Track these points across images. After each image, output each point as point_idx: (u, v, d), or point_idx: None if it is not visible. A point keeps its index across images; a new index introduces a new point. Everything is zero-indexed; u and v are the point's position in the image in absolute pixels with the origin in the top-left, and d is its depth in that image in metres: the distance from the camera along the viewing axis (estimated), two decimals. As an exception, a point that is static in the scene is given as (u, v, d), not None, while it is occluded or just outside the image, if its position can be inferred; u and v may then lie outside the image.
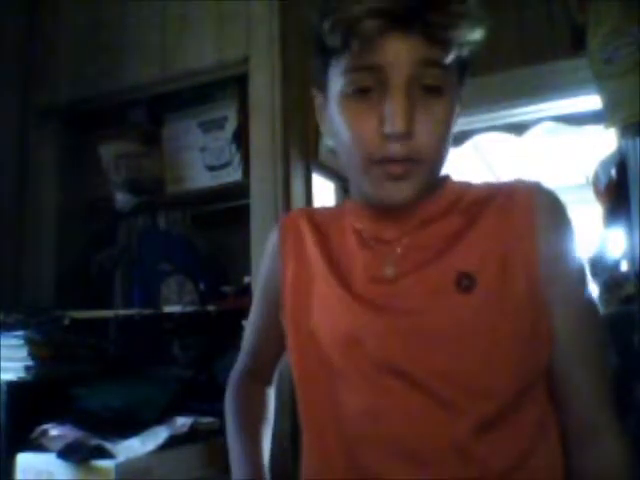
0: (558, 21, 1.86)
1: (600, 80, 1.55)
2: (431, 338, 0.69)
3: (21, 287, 1.94)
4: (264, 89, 1.68)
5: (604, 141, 1.88)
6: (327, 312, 0.77)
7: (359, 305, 0.73)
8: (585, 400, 0.71)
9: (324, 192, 1.96)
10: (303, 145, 1.77)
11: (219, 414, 1.52)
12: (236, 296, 1.77)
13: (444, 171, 0.79)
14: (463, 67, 0.72)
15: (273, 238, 0.89)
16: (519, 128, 2.06)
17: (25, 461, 1.34)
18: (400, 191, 0.70)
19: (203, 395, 1.62)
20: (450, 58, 0.67)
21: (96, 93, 1.94)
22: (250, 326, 0.98)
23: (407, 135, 0.66)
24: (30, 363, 1.52)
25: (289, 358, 0.82)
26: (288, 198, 1.65)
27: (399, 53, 0.66)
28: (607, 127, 1.58)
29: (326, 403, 0.75)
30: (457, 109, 0.74)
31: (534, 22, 1.90)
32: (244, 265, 1.70)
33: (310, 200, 1.78)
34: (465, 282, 0.69)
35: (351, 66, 0.68)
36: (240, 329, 1.73)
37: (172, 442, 1.36)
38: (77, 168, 2.10)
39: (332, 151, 1.96)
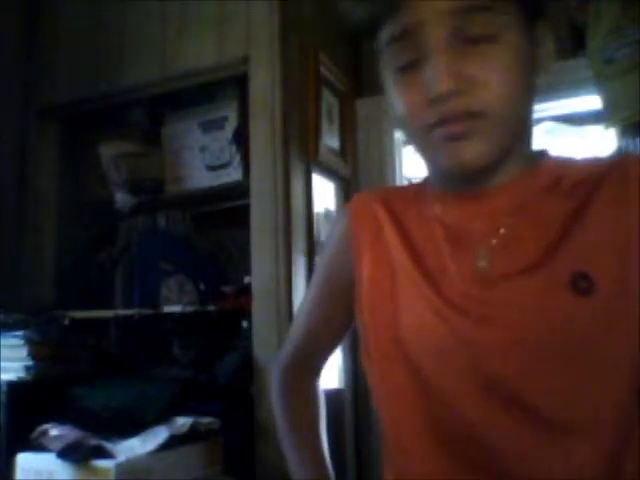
0: (558, 21, 1.86)
1: (600, 80, 1.55)
2: (544, 351, 0.59)
3: (21, 287, 1.94)
4: (264, 89, 1.68)
5: (604, 141, 1.88)
6: (415, 318, 0.66)
7: (452, 310, 0.64)
8: None
9: (324, 192, 1.96)
10: (303, 145, 1.77)
11: (219, 414, 1.53)
12: (236, 296, 1.77)
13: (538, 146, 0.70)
14: (526, 3, 0.62)
15: (344, 223, 0.79)
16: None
17: (25, 461, 1.34)
18: (465, 150, 0.60)
19: (203, 395, 1.62)
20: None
21: (96, 93, 1.94)
22: (305, 312, 0.86)
23: (453, 94, 0.59)
24: (30, 363, 1.52)
25: (367, 365, 0.73)
26: (288, 198, 1.65)
27: (430, 9, 0.60)
28: (607, 127, 1.58)
29: (420, 424, 0.66)
30: (540, 54, 0.64)
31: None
32: (244, 265, 1.70)
33: (310, 200, 1.78)
34: (582, 283, 0.59)
35: (389, 38, 0.63)
36: (240, 329, 1.73)
37: (172, 442, 1.36)
38: (77, 168, 2.10)
39: (332, 151, 1.96)
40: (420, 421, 0.66)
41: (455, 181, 0.68)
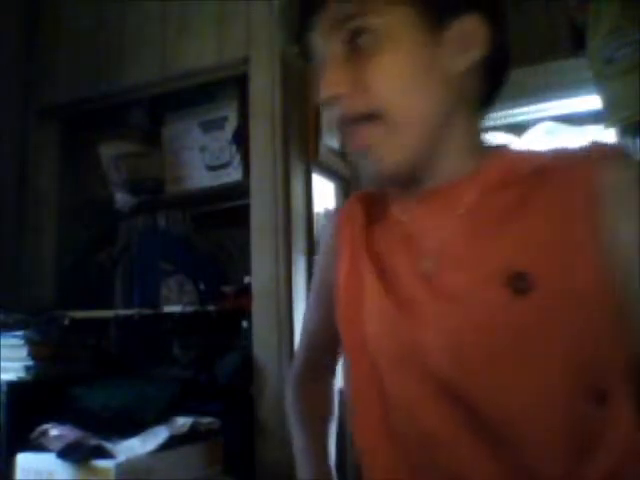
0: (558, 21, 1.86)
1: (600, 80, 1.55)
2: (484, 352, 0.58)
3: (21, 287, 1.94)
4: (264, 89, 1.68)
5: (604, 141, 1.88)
6: (374, 321, 0.67)
7: (401, 312, 0.63)
8: None
9: (324, 192, 1.96)
10: (303, 145, 1.77)
11: (219, 414, 1.53)
12: (236, 296, 1.77)
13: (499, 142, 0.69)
14: (425, 3, 0.61)
15: (329, 225, 0.81)
16: (519, 128, 2.05)
17: (25, 461, 1.34)
18: (377, 163, 0.63)
19: (203, 395, 1.62)
20: (375, 4, 0.60)
21: (96, 93, 1.94)
22: (306, 319, 0.88)
23: (332, 99, 0.62)
24: (30, 363, 1.52)
25: (345, 362, 0.75)
26: (288, 198, 1.65)
27: (315, 26, 0.63)
28: (607, 127, 1.58)
29: (381, 432, 0.66)
30: (445, 48, 0.62)
31: (534, 22, 1.90)
32: (244, 265, 1.70)
33: (310, 200, 1.78)
34: (519, 282, 0.57)
35: (307, 57, 0.68)
36: (240, 329, 1.73)
37: (172, 442, 1.36)
38: (77, 168, 2.10)
39: (332, 151, 1.96)
40: (381, 429, 0.66)
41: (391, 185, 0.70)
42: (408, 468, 0.63)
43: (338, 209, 0.81)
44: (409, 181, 0.66)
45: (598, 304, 0.57)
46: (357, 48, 0.61)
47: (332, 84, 0.62)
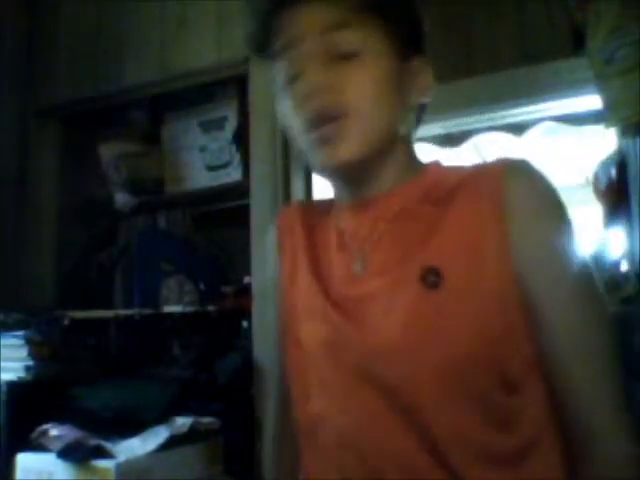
0: (558, 21, 1.86)
1: (600, 80, 1.55)
2: (396, 341, 0.64)
3: (21, 287, 1.94)
4: (264, 89, 1.68)
5: (604, 141, 1.88)
6: (309, 321, 0.73)
7: (333, 311, 0.69)
8: (587, 401, 0.63)
9: (324, 192, 1.96)
10: (303, 145, 1.77)
11: (219, 414, 1.53)
12: (236, 296, 1.77)
13: (429, 158, 0.76)
14: (396, 25, 0.69)
15: (270, 236, 0.86)
16: (519, 128, 2.05)
17: (25, 461, 1.34)
18: (334, 152, 0.67)
19: (203, 395, 1.62)
20: (365, 16, 0.66)
21: (96, 93, 1.95)
22: (272, 361, 0.89)
23: (319, 88, 0.66)
24: (30, 363, 1.52)
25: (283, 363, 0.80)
26: (288, 198, 1.65)
27: (302, 26, 0.67)
28: (607, 127, 1.58)
29: (309, 415, 0.72)
30: (408, 76, 0.70)
31: (534, 22, 1.90)
32: (244, 265, 1.70)
33: (310, 200, 1.78)
34: (431, 278, 0.64)
35: (274, 54, 0.70)
36: (240, 329, 1.73)
37: (172, 442, 1.36)
38: (77, 168, 2.10)
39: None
40: (310, 424, 0.71)
41: (338, 184, 0.74)
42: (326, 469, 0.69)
43: (275, 223, 0.86)
44: (354, 177, 0.71)
45: (502, 299, 0.63)
46: (337, 53, 0.67)
47: (315, 79, 0.66)
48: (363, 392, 0.65)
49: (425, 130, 0.74)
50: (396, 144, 0.72)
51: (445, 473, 0.62)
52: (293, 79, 0.69)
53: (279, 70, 0.70)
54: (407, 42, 0.71)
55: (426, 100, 0.73)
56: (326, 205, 0.82)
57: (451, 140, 1.93)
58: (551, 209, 0.66)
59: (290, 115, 0.70)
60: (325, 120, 0.66)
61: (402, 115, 0.70)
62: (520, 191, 0.65)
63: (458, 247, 0.65)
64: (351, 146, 0.67)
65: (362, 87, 0.67)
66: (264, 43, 0.71)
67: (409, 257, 0.67)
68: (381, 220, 0.71)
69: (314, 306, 0.72)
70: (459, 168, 0.74)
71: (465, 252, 0.64)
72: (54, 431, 1.34)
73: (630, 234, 1.50)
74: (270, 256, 0.87)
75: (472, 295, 0.63)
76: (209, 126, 1.89)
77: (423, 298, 0.64)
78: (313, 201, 0.87)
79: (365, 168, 0.70)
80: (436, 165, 0.75)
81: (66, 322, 1.72)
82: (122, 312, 1.86)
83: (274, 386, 0.88)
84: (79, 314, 1.79)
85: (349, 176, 0.71)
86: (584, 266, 0.66)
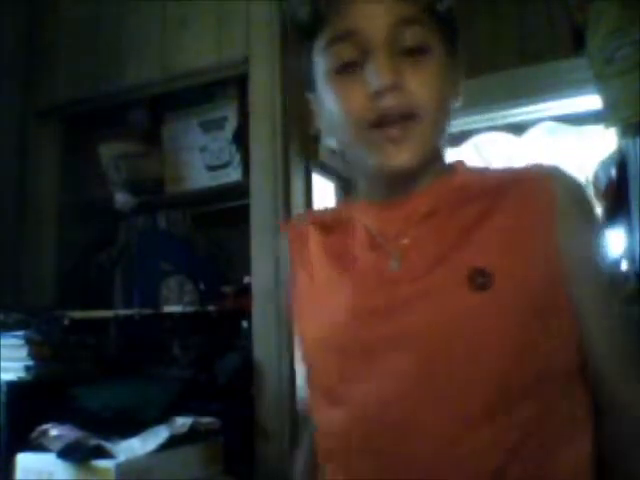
0: (558, 21, 1.86)
1: (600, 80, 1.55)
2: (443, 345, 0.62)
3: (21, 287, 1.94)
4: (264, 89, 1.68)
5: (604, 141, 1.88)
6: (336, 323, 0.70)
7: (367, 312, 0.67)
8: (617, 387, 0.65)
9: (324, 192, 1.96)
10: (303, 145, 1.77)
11: (219, 414, 1.53)
12: (236, 296, 1.77)
13: (455, 158, 0.75)
14: (447, 24, 0.69)
15: (284, 243, 0.84)
16: (519, 128, 2.05)
17: (25, 461, 1.34)
18: (400, 153, 0.65)
19: (203, 395, 1.62)
20: (425, 14, 0.65)
21: (96, 93, 1.94)
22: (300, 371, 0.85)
23: (395, 87, 0.63)
24: (30, 363, 1.52)
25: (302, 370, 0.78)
26: (288, 198, 1.65)
27: (373, 14, 0.64)
28: (607, 127, 1.58)
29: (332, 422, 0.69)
30: (456, 73, 0.71)
31: (534, 22, 1.90)
32: (244, 265, 1.70)
33: (310, 200, 1.78)
34: (479, 279, 0.63)
35: (329, 39, 0.67)
36: (240, 329, 1.73)
37: (172, 442, 1.36)
38: (77, 168, 2.10)
39: (332, 151, 1.96)
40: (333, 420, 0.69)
41: (383, 185, 0.72)
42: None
43: (287, 227, 0.85)
44: (405, 181, 0.70)
45: (550, 299, 0.63)
46: (403, 50, 0.65)
47: (394, 72, 0.64)
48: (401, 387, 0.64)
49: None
50: (443, 143, 0.73)
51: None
52: (352, 65, 0.66)
53: (329, 57, 0.67)
54: (454, 41, 0.71)
55: (460, 94, 0.73)
56: (338, 210, 0.82)
57: (451, 140, 1.93)
58: (592, 214, 0.69)
59: (339, 106, 0.67)
60: (393, 119, 0.64)
61: (450, 112, 0.71)
62: (569, 196, 0.66)
63: (504, 248, 0.65)
64: (415, 149, 0.66)
65: (431, 88, 0.65)
66: (315, 28, 0.68)
67: (451, 257, 0.66)
68: (413, 219, 0.70)
69: (345, 309, 0.70)
70: (486, 169, 0.75)
71: (512, 253, 0.64)
72: (54, 431, 1.34)
73: (630, 234, 1.50)
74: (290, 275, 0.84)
75: (521, 296, 0.63)
76: (209, 126, 1.89)
77: (469, 299, 0.63)
78: (324, 209, 0.87)
79: (416, 171, 0.69)
80: (463, 165, 0.75)
81: (66, 322, 1.72)
82: (122, 312, 1.86)
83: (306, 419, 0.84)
84: (79, 314, 1.79)
85: (400, 178, 0.69)
86: (616, 268, 0.68)
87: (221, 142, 1.86)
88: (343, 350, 0.68)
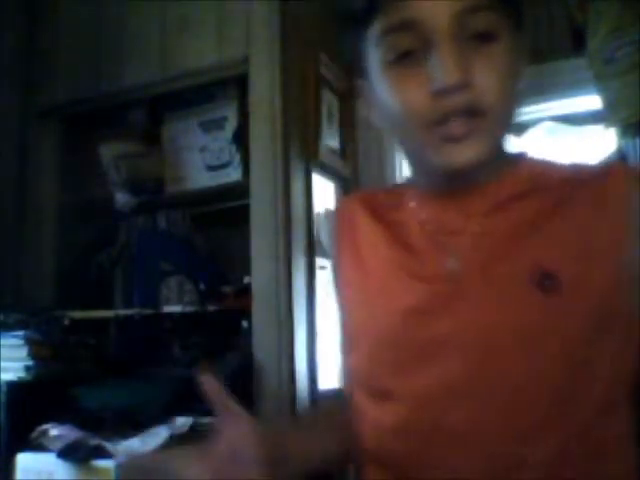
0: (558, 21, 1.86)
1: (600, 80, 1.55)
2: (505, 349, 0.59)
3: (21, 287, 1.94)
4: (264, 89, 1.68)
5: (604, 141, 1.88)
6: (386, 315, 0.67)
7: (419, 309, 0.64)
8: None
9: (324, 192, 1.96)
10: (303, 145, 1.77)
11: (219, 414, 1.52)
12: (236, 296, 1.77)
13: (519, 149, 0.71)
14: (515, 6, 0.63)
15: (330, 226, 0.82)
16: (519, 128, 2.05)
17: (25, 461, 1.34)
18: (463, 152, 0.60)
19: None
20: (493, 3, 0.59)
21: (96, 93, 1.94)
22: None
23: (462, 85, 0.58)
24: (30, 363, 1.52)
25: (346, 363, 0.74)
26: (288, 198, 1.65)
27: (436, 2, 0.58)
28: (607, 127, 1.58)
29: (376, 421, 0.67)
30: (521, 59, 0.65)
31: (534, 22, 1.90)
32: (244, 265, 1.70)
33: (310, 200, 1.78)
34: (546, 282, 0.59)
35: (385, 28, 0.61)
36: (240, 329, 1.73)
37: (172, 442, 1.36)
38: (77, 168, 2.10)
39: (332, 151, 1.96)
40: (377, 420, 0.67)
41: (442, 180, 0.67)
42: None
43: (335, 212, 0.82)
44: (469, 177, 0.65)
45: (615, 307, 0.60)
46: (471, 37, 0.59)
47: (461, 69, 0.58)
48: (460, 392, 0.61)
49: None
50: (506, 136, 0.68)
51: None
52: (410, 56, 0.60)
53: (386, 47, 0.61)
54: (520, 24, 0.64)
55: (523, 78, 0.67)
56: (393, 195, 0.77)
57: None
58: None
59: (395, 101, 0.62)
60: (457, 116, 0.59)
61: (517, 103, 0.66)
62: None
63: (572, 250, 0.61)
64: (480, 146, 0.60)
65: (500, 80, 0.60)
66: (370, 15, 0.62)
67: (516, 256, 0.62)
68: (476, 213, 0.66)
69: (397, 304, 0.66)
70: (554, 164, 0.70)
71: (579, 256, 0.61)
72: (54, 431, 1.34)
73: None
74: (331, 254, 0.82)
75: (587, 302, 0.60)
76: (209, 126, 1.89)
77: (535, 302, 0.60)
78: (374, 191, 0.81)
79: (480, 167, 0.64)
80: (528, 158, 0.70)
81: (66, 322, 1.72)
82: (122, 312, 1.86)
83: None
84: (79, 314, 1.79)
85: (464, 177, 0.65)
86: None
87: (221, 142, 1.85)
88: (398, 347, 0.65)
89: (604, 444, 0.60)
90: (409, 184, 0.76)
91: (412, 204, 0.72)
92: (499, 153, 0.67)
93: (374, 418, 0.68)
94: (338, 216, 0.80)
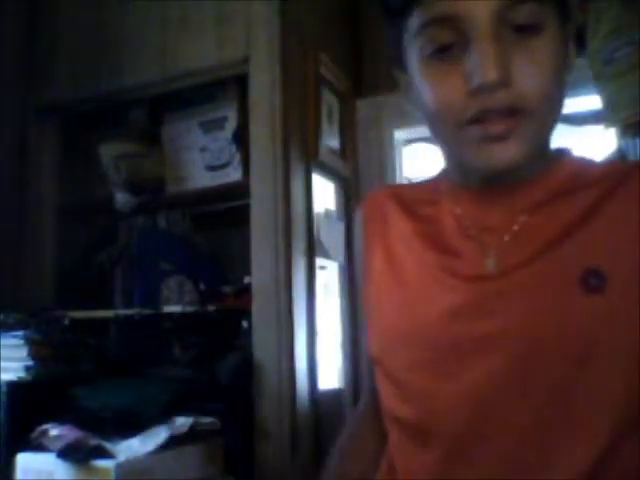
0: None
1: (600, 80, 1.55)
2: (549, 350, 0.57)
3: (21, 287, 1.94)
4: (264, 89, 1.68)
5: (604, 141, 1.88)
6: (423, 314, 0.65)
7: (458, 309, 0.62)
8: None
9: (324, 192, 1.96)
10: (303, 145, 1.77)
11: (219, 414, 1.53)
12: (236, 296, 1.77)
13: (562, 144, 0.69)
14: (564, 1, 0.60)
15: (357, 224, 0.78)
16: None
17: (25, 461, 1.34)
18: (502, 153, 0.58)
19: (203, 395, 1.62)
20: None
21: (96, 93, 1.94)
22: (364, 341, 0.78)
23: (501, 84, 0.56)
24: (30, 363, 1.52)
25: (373, 355, 0.71)
26: (288, 198, 1.65)
27: None
28: (607, 127, 1.58)
29: (420, 421, 0.64)
30: (568, 51, 0.62)
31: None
32: (244, 265, 1.70)
33: (310, 200, 1.78)
34: (593, 280, 0.57)
35: (423, 22, 0.59)
36: (240, 329, 1.73)
37: (172, 442, 1.36)
38: (77, 168, 2.10)
39: (332, 151, 1.96)
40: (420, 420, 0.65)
41: (481, 179, 0.65)
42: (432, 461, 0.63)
43: (360, 210, 0.79)
44: (508, 176, 0.63)
45: None
46: (514, 29, 0.57)
47: (498, 66, 0.55)
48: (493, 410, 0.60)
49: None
50: (551, 133, 0.65)
51: None
52: (449, 51, 0.59)
53: (424, 41, 0.60)
54: (567, 20, 0.61)
55: (573, 69, 0.65)
56: (425, 189, 0.75)
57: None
58: None
59: (432, 97, 0.60)
60: (497, 114, 0.57)
61: (564, 98, 0.63)
62: None
63: (622, 249, 0.59)
64: (523, 146, 0.58)
65: (544, 77, 0.57)
66: (409, 8, 0.61)
67: (560, 253, 0.60)
68: (516, 211, 0.64)
69: (432, 301, 0.64)
70: (593, 161, 0.69)
71: (628, 254, 0.58)
72: (54, 431, 1.34)
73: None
74: (356, 242, 0.80)
75: (635, 302, 0.57)
76: (209, 126, 1.89)
77: (580, 302, 0.57)
78: (401, 184, 0.77)
79: (521, 167, 0.61)
80: (572, 155, 0.69)
81: (66, 322, 1.72)
82: (122, 312, 1.86)
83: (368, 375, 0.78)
84: (79, 314, 1.79)
85: (503, 177, 0.63)
86: None
87: (221, 142, 1.85)
88: (440, 348, 0.63)
89: (633, 459, 0.58)
90: (443, 178, 0.73)
91: (451, 202, 0.69)
92: (542, 151, 0.65)
93: (406, 416, 0.66)
94: (367, 208, 0.77)
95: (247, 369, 1.60)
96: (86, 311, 1.83)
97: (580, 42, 1.65)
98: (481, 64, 0.56)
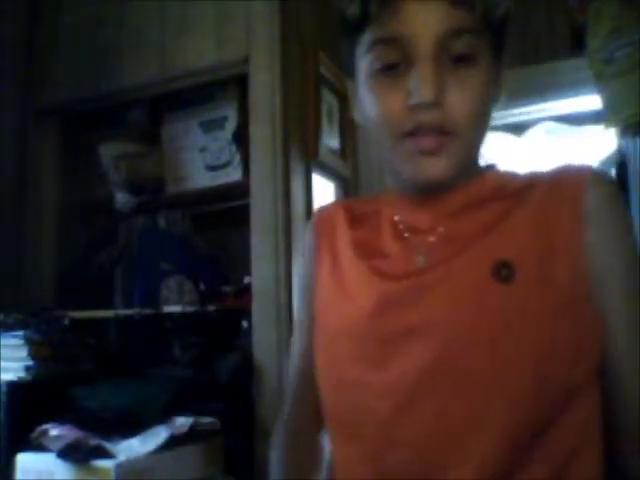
0: (558, 21, 1.86)
1: (600, 80, 1.55)
2: (466, 335, 0.62)
3: (21, 287, 1.94)
4: (264, 89, 1.68)
5: (604, 141, 1.88)
6: (356, 312, 0.70)
7: (386, 302, 0.68)
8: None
9: (324, 192, 1.96)
10: (303, 145, 1.77)
11: (219, 414, 1.53)
12: (236, 296, 1.77)
13: (489, 160, 0.76)
14: (497, 31, 0.68)
15: (307, 235, 0.86)
16: (519, 128, 2.06)
17: (25, 461, 1.34)
18: (433, 166, 0.65)
19: (203, 395, 1.62)
20: (479, 23, 0.64)
21: (96, 93, 1.94)
22: (294, 355, 0.86)
23: (435, 104, 0.62)
24: (30, 363, 1.52)
25: (316, 360, 0.76)
26: (288, 198, 1.65)
27: (424, 22, 0.63)
28: (607, 127, 1.58)
29: (354, 413, 0.68)
30: (497, 80, 0.70)
31: (534, 22, 1.90)
32: (244, 265, 1.70)
33: (310, 200, 1.78)
34: (504, 271, 0.63)
35: (375, 39, 0.65)
36: (240, 329, 1.73)
37: (172, 442, 1.36)
38: (77, 168, 2.10)
39: (332, 151, 1.96)
40: (354, 411, 0.69)
41: (414, 188, 0.72)
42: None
43: (313, 219, 0.86)
44: (440, 188, 0.70)
45: (574, 299, 0.63)
46: (451, 58, 0.64)
47: (436, 89, 0.63)
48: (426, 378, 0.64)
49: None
50: (477, 154, 0.73)
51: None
52: (394, 69, 0.65)
53: (373, 57, 0.66)
54: (502, 47, 0.70)
55: (500, 102, 0.73)
56: (372, 202, 0.82)
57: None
58: (627, 222, 0.67)
59: (377, 109, 0.67)
60: (428, 131, 0.64)
61: (488, 125, 0.71)
62: (603, 199, 0.65)
63: (531, 243, 0.65)
64: (451, 162, 0.65)
65: (473, 104, 0.65)
66: (363, 24, 0.66)
67: (475, 248, 0.66)
68: (443, 215, 0.71)
69: (366, 300, 0.70)
70: (518, 174, 0.74)
71: (538, 248, 0.64)
72: (54, 431, 1.34)
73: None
74: (305, 259, 0.87)
75: (545, 293, 0.62)
76: (209, 126, 1.89)
77: (493, 291, 0.63)
78: (354, 200, 0.87)
79: (448, 182, 0.69)
80: (495, 170, 0.76)
81: (66, 322, 1.72)
82: (122, 312, 1.86)
83: (296, 380, 0.86)
84: (79, 314, 1.79)
85: (432, 190, 0.70)
86: None
87: (221, 142, 1.86)
88: (370, 343, 0.68)
89: (571, 429, 0.62)
90: (388, 190, 0.80)
91: (387, 206, 0.77)
92: (469, 168, 0.71)
93: (344, 409, 0.70)
94: (318, 222, 0.84)
95: (247, 369, 1.60)
96: (86, 311, 1.83)
97: (580, 42, 1.65)
98: (420, 83, 0.63)
